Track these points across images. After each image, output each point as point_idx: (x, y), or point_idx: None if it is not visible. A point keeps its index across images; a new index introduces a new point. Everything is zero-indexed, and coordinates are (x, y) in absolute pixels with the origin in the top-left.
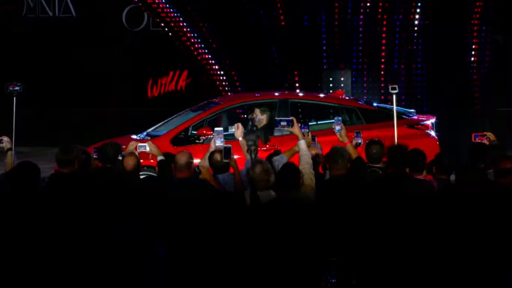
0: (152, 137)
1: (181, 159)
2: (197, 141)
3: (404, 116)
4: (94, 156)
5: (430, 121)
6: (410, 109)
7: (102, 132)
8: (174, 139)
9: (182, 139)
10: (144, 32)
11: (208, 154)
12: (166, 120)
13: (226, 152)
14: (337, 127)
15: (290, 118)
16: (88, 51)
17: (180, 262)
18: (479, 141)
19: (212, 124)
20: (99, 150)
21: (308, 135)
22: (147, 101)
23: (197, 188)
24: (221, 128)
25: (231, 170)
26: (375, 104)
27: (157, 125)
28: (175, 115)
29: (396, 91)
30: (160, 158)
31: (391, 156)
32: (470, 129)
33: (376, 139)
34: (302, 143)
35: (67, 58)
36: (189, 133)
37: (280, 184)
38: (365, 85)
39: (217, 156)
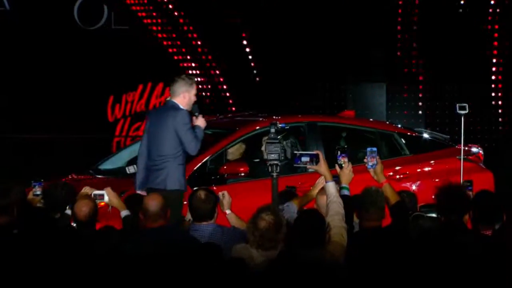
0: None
1: (152, 204)
2: (221, 179)
3: (448, 144)
4: (37, 192)
5: (481, 151)
6: (443, 134)
7: (43, 167)
8: (192, 177)
9: (200, 177)
10: (103, 31)
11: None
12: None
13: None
14: (371, 162)
15: (315, 152)
16: (27, 56)
17: None
18: None
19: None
20: (46, 193)
21: (348, 164)
22: (108, 125)
23: (178, 241)
24: None
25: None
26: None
27: (106, 158)
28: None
29: (465, 111)
30: (124, 213)
31: (446, 200)
32: None
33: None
34: (331, 186)
35: None
36: (207, 169)
37: (296, 240)
38: (404, 103)
39: (201, 194)
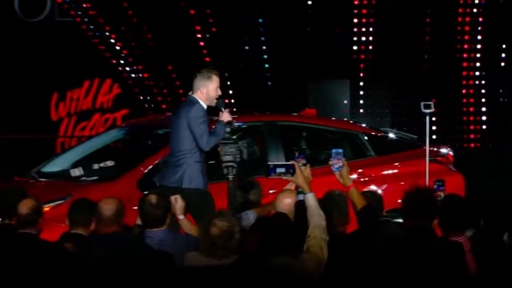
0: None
1: (107, 208)
2: None
3: (415, 145)
4: None
5: (451, 152)
6: (410, 134)
7: None
8: (144, 180)
9: (152, 180)
10: (46, 24)
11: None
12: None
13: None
14: (336, 164)
15: (290, 163)
16: None
17: None
18: None
19: None
20: None
21: (306, 167)
22: (51, 124)
23: (131, 248)
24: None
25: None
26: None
27: (48, 160)
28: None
29: (430, 110)
30: None
31: (413, 205)
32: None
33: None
34: (310, 198)
35: None
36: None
37: (260, 245)
38: (369, 100)
39: (152, 199)
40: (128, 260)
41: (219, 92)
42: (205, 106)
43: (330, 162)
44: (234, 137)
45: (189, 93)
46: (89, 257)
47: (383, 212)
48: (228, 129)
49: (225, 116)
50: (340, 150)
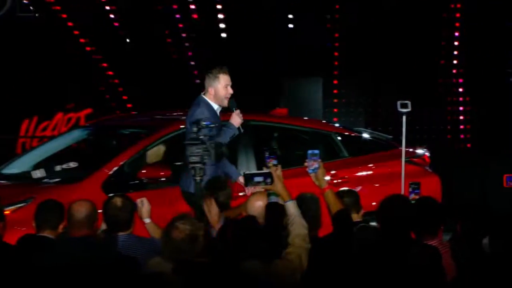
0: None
1: (79, 211)
2: (140, 185)
3: (390, 145)
4: None
5: (427, 153)
6: (385, 134)
7: None
8: (108, 182)
9: (117, 182)
10: (6, 19)
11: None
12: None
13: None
14: (312, 166)
15: (267, 171)
16: None
17: None
18: None
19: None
20: None
21: (277, 168)
22: (11, 124)
23: (101, 252)
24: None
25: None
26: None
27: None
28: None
29: (408, 109)
30: None
31: (385, 210)
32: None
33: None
34: (291, 206)
35: None
36: (124, 174)
37: (229, 248)
38: (343, 100)
39: (117, 201)
40: (96, 265)
41: (230, 91)
42: (215, 107)
43: (306, 164)
44: (201, 137)
45: (201, 93)
46: (57, 260)
47: (361, 211)
48: (195, 129)
49: (234, 117)
50: (316, 151)
